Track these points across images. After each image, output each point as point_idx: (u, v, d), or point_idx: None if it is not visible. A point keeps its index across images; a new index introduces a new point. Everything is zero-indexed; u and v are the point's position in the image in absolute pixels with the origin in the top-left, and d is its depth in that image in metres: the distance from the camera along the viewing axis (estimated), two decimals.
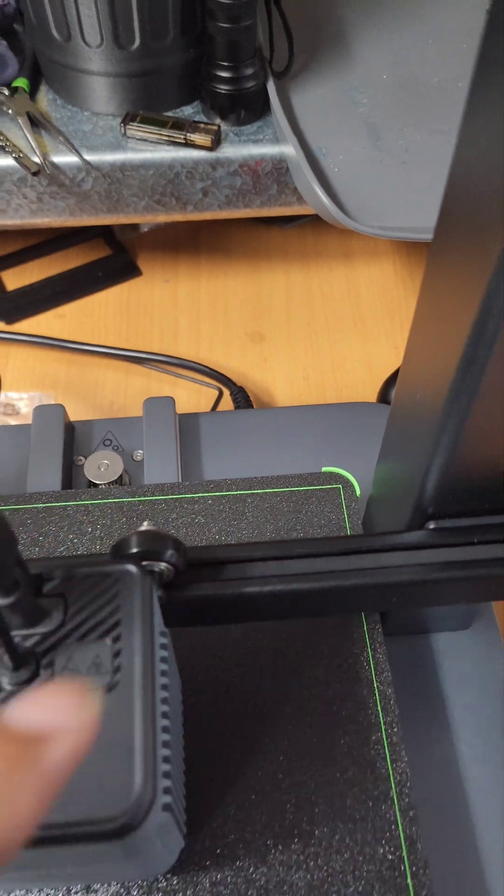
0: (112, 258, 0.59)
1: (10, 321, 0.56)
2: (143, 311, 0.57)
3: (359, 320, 0.56)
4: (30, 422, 0.42)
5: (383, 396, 0.47)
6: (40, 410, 0.42)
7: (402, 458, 0.28)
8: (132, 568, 0.22)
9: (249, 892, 0.25)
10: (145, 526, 0.25)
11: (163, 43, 0.44)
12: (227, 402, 0.50)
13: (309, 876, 0.26)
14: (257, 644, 0.31)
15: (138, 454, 0.42)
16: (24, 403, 0.52)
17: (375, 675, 0.30)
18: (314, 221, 0.63)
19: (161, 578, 0.25)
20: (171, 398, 0.43)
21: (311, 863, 0.26)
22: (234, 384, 0.50)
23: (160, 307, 0.57)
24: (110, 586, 0.22)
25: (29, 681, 0.20)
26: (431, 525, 0.26)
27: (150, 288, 0.59)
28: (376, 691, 0.30)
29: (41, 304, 0.57)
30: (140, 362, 0.54)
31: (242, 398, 0.49)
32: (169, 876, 0.26)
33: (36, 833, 0.17)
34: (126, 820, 0.19)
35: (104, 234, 0.60)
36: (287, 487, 0.35)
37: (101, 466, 0.39)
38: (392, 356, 0.53)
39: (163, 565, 0.24)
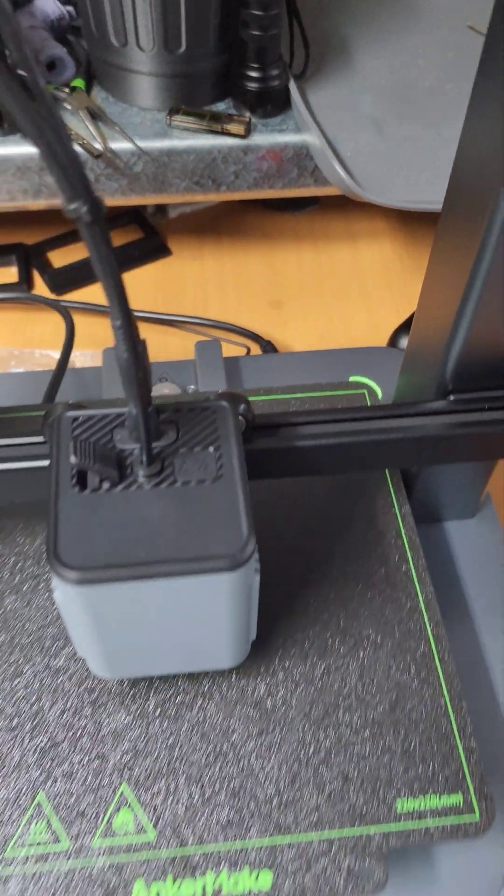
0: (145, 240, 0.68)
1: (59, 293, 0.64)
2: (174, 285, 0.65)
3: (363, 291, 0.65)
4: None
5: (392, 343, 0.56)
6: (109, 352, 0.50)
7: (424, 354, 0.36)
8: (225, 403, 0.30)
9: (315, 673, 0.33)
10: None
11: (204, 48, 0.53)
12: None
13: (360, 662, 0.34)
14: (305, 497, 0.39)
15: (190, 388, 0.50)
16: (77, 359, 0.59)
17: (402, 522, 0.38)
18: (321, 209, 0.71)
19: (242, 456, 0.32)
20: (219, 341, 0.51)
21: (361, 652, 0.34)
22: (263, 338, 0.58)
23: (190, 281, 0.66)
24: (210, 416, 0.29)
25: (158, 474, 0.28)
26: (451, 398, 0.35)
27: (180, 265, 0.67)
28: (403, 535, 0.38)
29: (85, 279, 0.65)
30: (176, 325, 0.62)
31: (271, 348, 0.57)
32: (246, 666, 0.33)
33: (167, 565, 0.24)
34: (237, 555, 0.25)
35: (137, 219, 0.69)
36: (322, 392, 0.44)
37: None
38: (394, 319, 0.62)
39: (239, 416, 0.32)
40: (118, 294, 0.23)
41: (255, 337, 0.59)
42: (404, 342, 0.55)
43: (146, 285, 0.65)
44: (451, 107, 0.58)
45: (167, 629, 0.29)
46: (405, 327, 0.56)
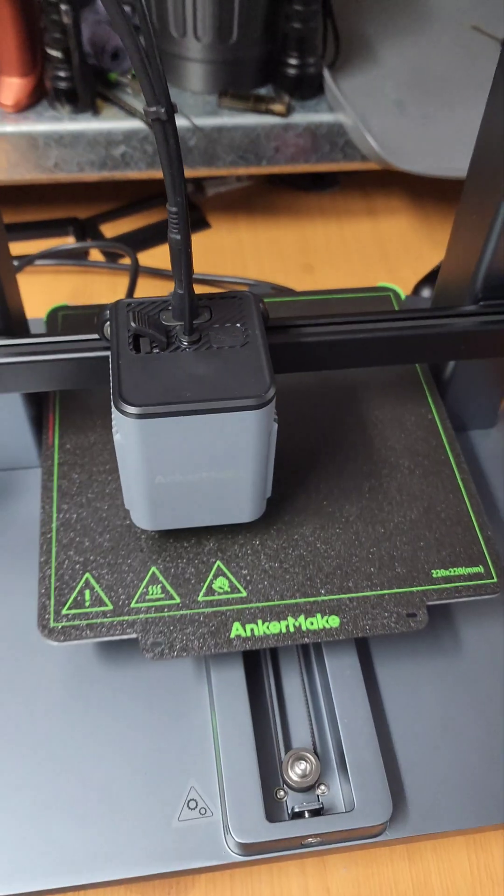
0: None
1: (112, 261, 0.71)
2: (214, 253, 0.73)
3: (384, 256, 0.73)
4: None
5: (415, 293, 0.64)
6: None
7: (457, 271, 0.44)
8: (249, 294, 0.36)
9: (364, 488, 0.42)
10: None
11: (252, 39, 0.61)
12: None
13: (398, 482, 0.43)
14: (335, 390, 0.47)
15: None
16: None
17: (433, 401, 0.47)
18: (342, 189, 0.80)
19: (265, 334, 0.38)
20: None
21: (399, 475, 0.43)
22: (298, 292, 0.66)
23: (228, 251, 0.73)
24: (237, 303, 0.36)
25: (197, 342, 0.34)
26: (481, 303, 0.43)
27: (219, 237, 0.75)
28: (434, 412, 0.46)
29: (134, 249, 0.72)
30: (218, 284, 0.69)
31: None
32: (308, 485, 0.41)
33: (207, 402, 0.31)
34: (262, 396, 0.32)
35: None
36: (350, 295, 0.52)
37: None
38: (414, 277, 0.70)
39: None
40: (178, 184, 0.29)
41: (290, 291, 0.67)
42: (426, 292, 0.63)
43: None
44: (459, 91, 0.67)
45: (203, 468, 0.35)
46: (425, 281, 0.64)
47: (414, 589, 0.39)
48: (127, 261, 0.70)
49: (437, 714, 0.41)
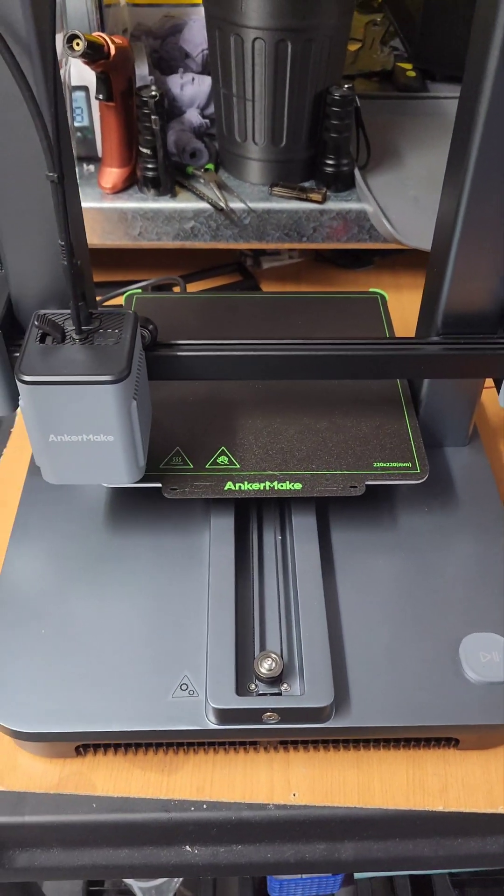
0: (244, 281, 0.92)
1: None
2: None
3: (404, 322, 0.87)
4: None
5: None
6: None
7: (426, 308, 0.58)
8: (130, 312, 0.49)
9: (317, 428, 0.56)
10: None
11: (298, 144, 0.78)
12: None
13: (358, 412, 0.57)
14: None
15: None
16: None
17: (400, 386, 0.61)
18: (376, 268, 0.95)
19: (143, 340, 0.51)
20: None
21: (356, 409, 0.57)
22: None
23: None
24: (120, 318, 0.48)
25: (84, 339, 0.47)
26: (440, 336, 0.56)
27: None
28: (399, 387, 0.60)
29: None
30: None
31: None
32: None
33: (81, 376, 0.44)
34: (119, 374, 0.44)
35: (240, 268, 0.93)
36: (339, 294, 0.68)
37: None
38: None
39: (146, 332, 0.51)
40: (63, 225, 0.43)
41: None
42: None
43: None
44: None
45: (82, 431, 0.47)
46: None
47: (359, 472, 0.55)
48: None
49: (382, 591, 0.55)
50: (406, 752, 0.52)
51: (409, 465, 0.56)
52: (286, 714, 0.47)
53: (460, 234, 0.50)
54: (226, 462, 0.56)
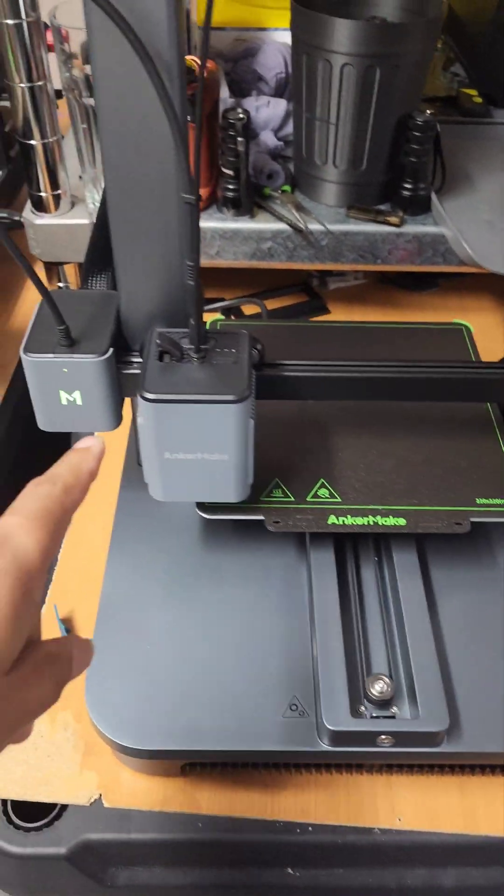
0: (310, 301, 0.93)
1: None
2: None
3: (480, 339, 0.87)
4: None
5: None
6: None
7: None
8: (244, 332, 0.49)
9: (416, 461, 0.56)
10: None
11: (377, 168, 0.79)
12: None
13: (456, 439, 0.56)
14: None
15: None
16: None
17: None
18: (440, 291, 0.96)
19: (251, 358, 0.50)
20: None
21: (453, 450, 0.58)
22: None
23: None
24: (235, 337, 0.48)
25: (202, 358, 0.47)
26: None
27: (336, 320, 0.91)
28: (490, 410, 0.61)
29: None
30: None
31: None
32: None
33: (202, 394, 0.45)
34: (241, 394, 0.43)
35: (306, 288, 0.94)
36: (424, 325, 0.69)
37: None
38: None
39: (255, 351, 0.51)
40: (195, 246, 0.43)
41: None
42: None
43: None
44: None
45: (198, 449, 0.47)
46: None
47: (461, 509, 0.54)
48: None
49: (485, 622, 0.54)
50: None
51: None
52: (400, 737, 0.47)
53: None
54: (326, 495, 0.55)
